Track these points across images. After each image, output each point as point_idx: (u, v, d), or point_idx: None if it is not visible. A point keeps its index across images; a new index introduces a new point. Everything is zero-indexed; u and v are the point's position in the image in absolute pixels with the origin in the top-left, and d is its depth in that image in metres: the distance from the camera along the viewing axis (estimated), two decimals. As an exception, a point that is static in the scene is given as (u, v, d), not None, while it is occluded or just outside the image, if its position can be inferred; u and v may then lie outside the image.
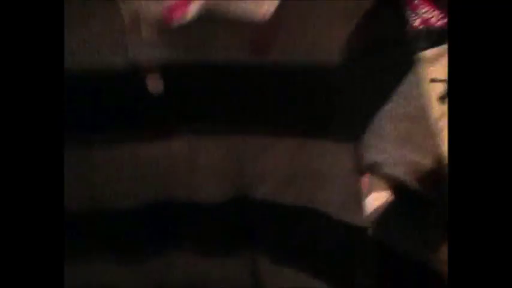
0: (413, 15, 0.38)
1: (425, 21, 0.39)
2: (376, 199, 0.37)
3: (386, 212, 0.38)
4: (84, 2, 0.32)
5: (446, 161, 0.35)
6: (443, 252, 0.36)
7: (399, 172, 0.35)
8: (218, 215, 0.36)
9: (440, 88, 0.37)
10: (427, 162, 0.35)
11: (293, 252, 0.37)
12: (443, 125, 0.36)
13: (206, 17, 0.31)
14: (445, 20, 0.37)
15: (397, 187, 0.37)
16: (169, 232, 0.37)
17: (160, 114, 0.34)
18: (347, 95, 0.34)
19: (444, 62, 0.36)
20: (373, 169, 0.36)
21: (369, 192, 0.37)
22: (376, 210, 0.38)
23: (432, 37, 0.38)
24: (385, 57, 0.35)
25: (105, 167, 0.35)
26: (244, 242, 0.37)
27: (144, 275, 0.38)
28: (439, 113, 0.37)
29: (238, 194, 0.36)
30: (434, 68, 0.37)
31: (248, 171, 0.35)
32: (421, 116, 0.36)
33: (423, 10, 0.38)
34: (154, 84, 0.33)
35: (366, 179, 0.37)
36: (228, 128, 0.35)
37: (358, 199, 0.36)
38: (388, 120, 0.35)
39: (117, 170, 0.35)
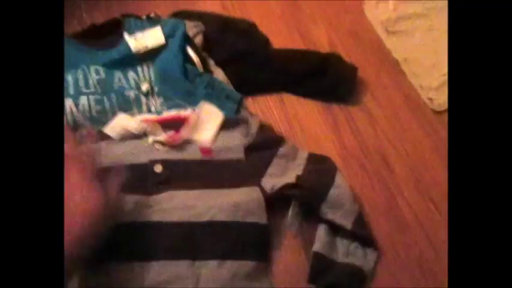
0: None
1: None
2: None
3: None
4: (135, 138, 0.74)
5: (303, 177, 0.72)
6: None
7: (283, 190, 0.70)
8: (177, 231, 0.64)
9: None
10: (291, 181, 0.70)
11: (227, 249, 0.64)
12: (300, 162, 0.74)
13: (183, 141, 0.73)
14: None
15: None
16: (150, 243, 0.62)
17: (159, 181, 0.69)
18: (249, 165, 0.71)
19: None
20: (272, 189, 0.69)
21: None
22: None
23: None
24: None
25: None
26: (193, 248, 0.63)
27: (133, 276, 0.60)
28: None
29: (191, 220, 0.65)
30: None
31: (198, 207, 0.66)
32: (290, 164, 0.73)
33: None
34: (158, 170, 0.71)
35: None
36: (188, 186, 0.68)
37: (263, 210, 0.68)
38: (273, 171, 0.71)
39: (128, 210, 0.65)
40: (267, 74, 0.87)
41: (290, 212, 0.71)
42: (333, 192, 0.70)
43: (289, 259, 0.70)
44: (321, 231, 0.70)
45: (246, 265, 0.65)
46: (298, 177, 0.70)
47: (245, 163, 0.72)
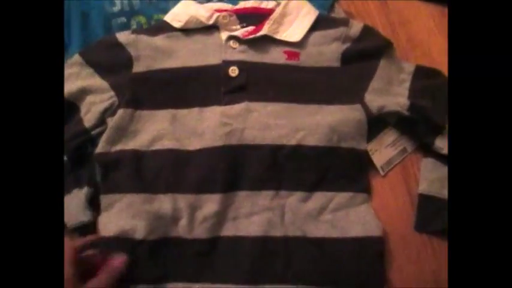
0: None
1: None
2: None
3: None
4: (203, 33, 0.60)
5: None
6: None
7: (394, 107, 0.56)
8: (257, 157, 0.54)
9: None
10: (397, 100, 0.57)
11: (316, 179, 0.54)
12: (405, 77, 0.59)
13: (265, 37, 0.58)
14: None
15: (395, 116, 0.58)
16: (228, 171, 0.54)
17: (233, 88, 0.57)
18: (346, 76, 0.58)
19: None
20: (381, 109, 0.56)
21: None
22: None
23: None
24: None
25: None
26: (276, 177, 0.54)
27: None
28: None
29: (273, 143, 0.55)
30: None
31: (283, 127, 0.55)
32: (394, 78, 0.58)
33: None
34: (233, 73, 0.57)
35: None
36: (269, 97, 0.56)
37: (364, 133, 0.56)
38: (377, 85, 0.57)
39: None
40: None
41: (392, 146, 0.58)
42: None
43: (387, 198, 0.57)
44: (428, 166, 0.56)
45: (338, 197, 0.54)
46: (411, 105, 0.56)
47: (342, 74, 0.57)
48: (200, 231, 0.52)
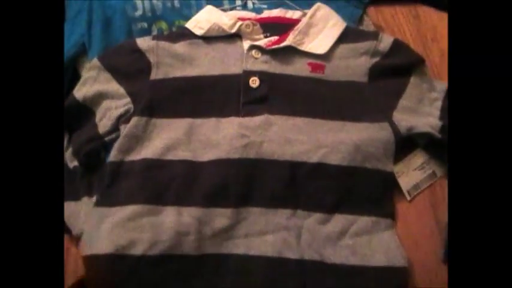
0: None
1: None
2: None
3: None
4: (225, 41, 0.58)
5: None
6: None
7: (425, 128, 0.53)
8: (275, 173, 0.51)
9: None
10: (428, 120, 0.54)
11: (337, 201, 0.51)
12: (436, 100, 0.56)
13: (289, 48, 0.56)
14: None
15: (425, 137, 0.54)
16: (242, 186, 0.51)
17: (253, 99, 0.55)
18: (374, 93, 0.55)
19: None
20: (410, 130, 0.53)
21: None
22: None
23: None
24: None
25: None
26: (294, 195, 0.51)
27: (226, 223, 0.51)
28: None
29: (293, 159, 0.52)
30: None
31: (304, 143, 0.52)
32: (425, 97, 0.56)
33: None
34: (254, 84, 0.55)
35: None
36: (291, 110, 0.54)
37: (391, 154, 0.53)
38: (407, 104, 0.55)
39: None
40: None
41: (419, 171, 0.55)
42: None
43: (412, 225, 0.53)
44: None
45: (360, 221, 0.50)
46: (442, 127, 0.53)
47: (369, 90, 0.55)
48: (208, 248, 0.49)
